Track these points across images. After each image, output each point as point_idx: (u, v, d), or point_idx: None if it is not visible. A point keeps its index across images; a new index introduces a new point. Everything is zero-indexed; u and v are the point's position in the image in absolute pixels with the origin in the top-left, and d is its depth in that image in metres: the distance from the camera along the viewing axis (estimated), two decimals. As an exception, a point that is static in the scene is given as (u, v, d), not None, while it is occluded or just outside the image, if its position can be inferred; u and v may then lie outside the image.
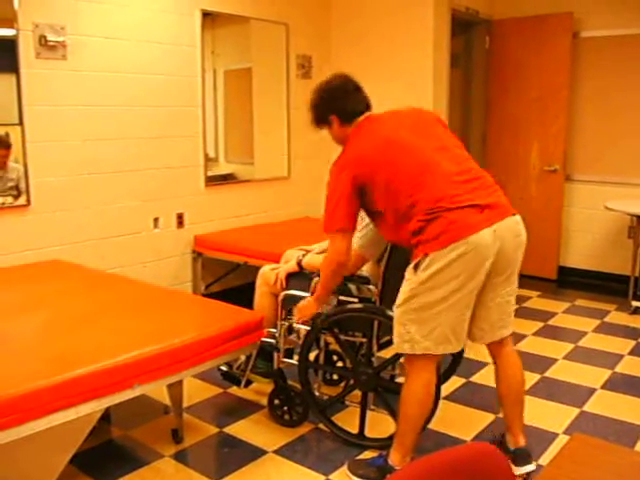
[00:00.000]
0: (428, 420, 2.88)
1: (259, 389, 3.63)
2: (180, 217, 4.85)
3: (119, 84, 4.35)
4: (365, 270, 3.11)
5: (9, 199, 3.92)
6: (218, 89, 5.23)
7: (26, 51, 3.84)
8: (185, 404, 3.26)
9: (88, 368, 2.36)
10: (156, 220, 4.69)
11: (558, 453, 1.39)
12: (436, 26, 5.42)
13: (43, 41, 3.89)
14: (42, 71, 3.93)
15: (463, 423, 3.36)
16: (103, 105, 4.28)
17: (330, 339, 3.26)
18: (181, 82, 4.76)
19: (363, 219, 3.01)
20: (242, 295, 3.72)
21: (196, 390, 3.68)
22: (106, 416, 3.18)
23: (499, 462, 1.22)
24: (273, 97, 5.67)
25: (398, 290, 3.18)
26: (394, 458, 2.72)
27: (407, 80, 5.60)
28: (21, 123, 3.89)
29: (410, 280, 2.60)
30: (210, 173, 5.09)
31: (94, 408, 2.39)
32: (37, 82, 3.92)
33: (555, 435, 3.22)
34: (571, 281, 6.16)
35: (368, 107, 2.98)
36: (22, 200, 3.94)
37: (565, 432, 3.27)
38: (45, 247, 4.07)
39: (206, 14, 4.87)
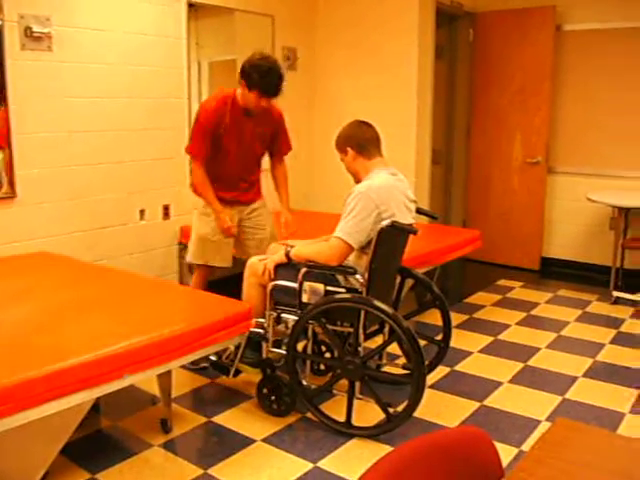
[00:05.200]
0: (413, 409, 2.96)
1: (247, 379, 3.67)
2: (166, 209, 4.86)
3: (105, 76, 4.34)
4: (352, 260, 3.15)
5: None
6: (203, 81, 5.23)
7: (11, 42, 3.82)
8: (173, 394, 3.28)
9: (79, 358, 2.38)
10: (142, 212, 4.70)
11: (541, 436, 1.44)
12: (421, 18, 5.46)
13: (28, 32, 3.87)
14: (27, 62, 3.92)
15: (448, 411, 3.41)
16: (89, 97, 4.27)
17: (318, 329, 3.31)
18: (167, 74, 4.76)
19: (345, 210, 3.06)
20: (229, 286, 3.74)
21: (184, 380, 3.71)
22: (95, 406, 3.19)
23: (487, 445, 1.26)
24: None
25: (384, 280, 3.25)
26: None
27: (392, 72, 5.63)
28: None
29: None
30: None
31: (85, 398, 2.42)
32: (22, 74, 3.90)
33: (538, 422, 3.28)
34: (554, 272, 6.24)
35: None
36: (2, 192, 3.92)
37: (547, 419, 3.33)
38: (31, 239, 4.07)
39: (191, 5, 4.86)
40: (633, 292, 5.21)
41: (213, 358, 3.46)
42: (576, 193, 6.02)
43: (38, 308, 2.97)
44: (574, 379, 3.82)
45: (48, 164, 4.11)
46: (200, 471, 2.84)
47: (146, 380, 3.17)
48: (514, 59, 6.14)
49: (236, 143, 3.70)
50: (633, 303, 5.17)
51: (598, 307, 5.19)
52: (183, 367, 3.31)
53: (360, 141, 3.19)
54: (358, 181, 3.24)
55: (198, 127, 3.62)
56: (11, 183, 3.94)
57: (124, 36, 4.42)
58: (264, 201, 4.01)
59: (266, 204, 4.01)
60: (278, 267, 3.27)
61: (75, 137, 4.22)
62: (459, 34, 6.48)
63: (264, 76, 3.45)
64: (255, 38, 5.59)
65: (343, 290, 3.14)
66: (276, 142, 3.89)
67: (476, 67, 6.42)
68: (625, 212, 5.33)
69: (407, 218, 3.15)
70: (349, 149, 3.19)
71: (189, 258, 3.84)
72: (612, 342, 4.41)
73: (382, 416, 3.11)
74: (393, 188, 3.14)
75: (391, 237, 3.07)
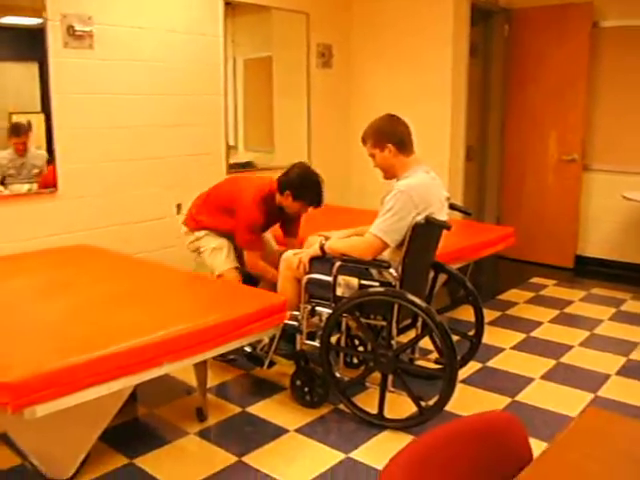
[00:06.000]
0: (445, 403, 2.99)
1: (281, 370, 3.73)
2: (202, 203, 4.93)
3: (144, 73, 4.44)
4: (386, 255, 3.18)
5: (35, 186, 4.02)
6: (237, 78, 5.30)
7: (54, 41, 3.93)
8: (209, 385, 3.35)
9: (120, 346, 2.46)
10: (179, 206, 4.78)
11: (573, 423, 1.46)
12: (456, 16, 5.47)
13: (71, 31, 3.98)
14: (70, 60, 4.03)
15: (480, 405, 3.43)
16: (128, 93, 4.37)
17: (351, 323, 3.35)
18: (204, 70, 4.84)
19: (384, 208, 3.09)
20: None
21: (219, 372, 3.78)
22: (133, 395, 3.28)
23: (518, 429, 1.30)
24: (293, 85, 5.74)
25: (417, 274, 3.28)
26: None
27: (426, 70, 5.65)
28: (44, 111, 3.98)
29: None
30: (230, 161, 5.17)
31: (125, 384, 2.49)
32: (65, 71, 4.01)
33: (569, 418, 3.28)
34: (588, 270, 6.20)
35: None
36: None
37: (580, 415, 3.33)
38: (71, 232, 4.17)
39: (227, 3, 4.94)
40: (669, 291, 5.16)
41: (248, 349, 3.52)
42: (612, 191, 5.96)
43: (79, 299, 3.06)
44: (607, 377, 3.81)
45: (88, 159, 4.21)
46: (234, 459, 2.91)
47: (181, 370, 3.24)
48: (550, 56, 6.10)
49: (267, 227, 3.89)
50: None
51: (632, 306, 5.14)
52: (214, 359, 3.37)
53: (401, 137, 3.21)
54: (390, 177, 3.26)
55: (250, 223, 3.68)
56: (53, 177, 4.05)
57: (162, 34, 4.51)
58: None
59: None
60: (313, 260, 3.32)
61: (114, 132, 4.32)
62: (494, 30, 6.46)
63: (314, 189, 3.62)
64: (290, 35, 5.65)
65: (377, 284, 3.18)
66: (292, 225, 3.97)
67: (511, 64, 6.39)
68: (661, 210, 5.27)
69: (442, 215, 3.18)
70: (390, 145, 3.19)
71: (218, 271, 3.86)
72: (646, 341, 4.38)
73: (414, 409, 3.15)
74: (431, 187, 3.18)
75: (425, 232, 3.10)
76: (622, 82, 5.89)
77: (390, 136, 3.20)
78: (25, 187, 3.99)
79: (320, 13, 5.71)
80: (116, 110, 4.32)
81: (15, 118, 3.97)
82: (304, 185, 3.62)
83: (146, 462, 2.87)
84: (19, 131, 3.98)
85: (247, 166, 5.45)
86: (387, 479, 1.14)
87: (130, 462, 2.87)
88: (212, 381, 3.58)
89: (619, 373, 3.87)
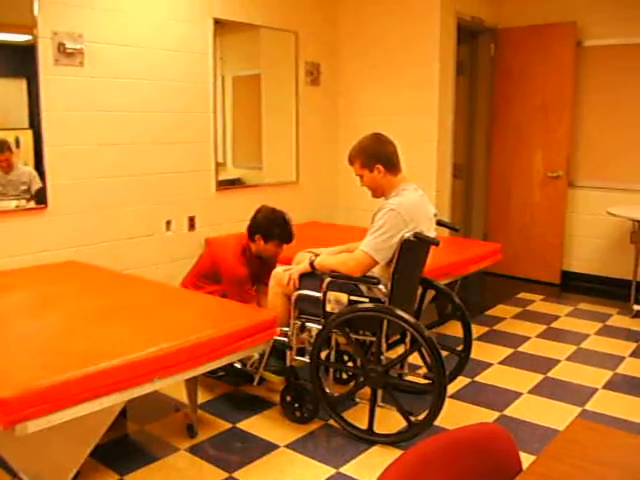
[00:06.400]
0: (434, 417, 3.02)
1: (271, 387, 3.74)
2: (192, 220, 4.96)
3: (133, 90, 4.47)
4: (376, 271, 3.21)
5: (23, 202, 4.01)
6: (226, 95, 5.34)
7: (45, 58, 3.96)
8: (199, 401, 3.36)
9: (112, 362, 2.47)
10: (168, 223, 4.80)
11: (560, 435, 1.49)
12: (442, 35, 5.55)
13: (62, 48, 4.00)
14: (60, 77, 4.05)
15: (469, 420, 3.46)
16: (118, 111, 4.40)
17: (341, 339, 3.37)
18: (193, 88, 4.88)
19: (374, 225, 3.13)
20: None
21: (209, 388, 3.79)
22: (122, 412, 3.28)
23: (507, 441, 1.32)
24: (282, 103, 5.78)
25: (406, 290, 3.31)
26: None
27: (413, 87, 5.71)
28: (32, 127, 4.00)
29: None
30: (219, 178, 5.20)
31: (117, 400, 2.50)
32: (55, 88, 4.03)
33: (557, 432, 3.31)
34: (574, 285, 6.26)
35: None
36: (33, 203, 4.04)
37: (568, 429, 3.36)
38: (60, 248, 4.18)
39: (217, 22, 4.98)
40: (654, 306, 5.22)
41: (238, 366, 3.53)
42: (597, 207, 6.04)
43: (69, 315, 3.07)
44: (594, 391, 3.85)
45: (78, 176, 4.23)
46: (225, 474, 2.91)
47: (171, 387, 3.25)
48: (535, 74, 6.19)
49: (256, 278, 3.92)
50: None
51: (618, 320, 5.20)
52: (204, 375, 3.38)
53: (389, 157, 3.24)
54: (379, 196, 3.30)
55: (236, 278, 3.76)
56: (37, 195, 4.05)
57: (152, 52, 4.55)
58: None
59: None
60: (302, 277, 3.35)
61: (104, 149, 4.34)
62: (480, 50, 6.55)
63: (281, 227, 3.75)
64: (279, 53, 5.70)
65: (366, 300, 3.20)
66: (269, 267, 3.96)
67: (497, 82, 6.48)
68: (646, 226, 5.34)
69: (431, 232, 3.22)
70: (379, 166, 3.21)
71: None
72: (632, 355, 4.43)
73: (403, 424, 3.17)
74: (420, 205, 3.22)
75: (414, 248, 3.13)
76: (606, 100, 5.98)
77: (378, 156, 3.23)
78: (13, 203, 3.99)
79: (308, 32, 5.78)
80: (106, 127, 4.34)
81: (1, 134, 3.96)
82: (271, 225, 3.74)
83: (137, 478, 2.87)
84: (1, 148, 3.98)
85: (236, 183, 5.48)
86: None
87: (121, 478, 2.87)
88: (202, 397, 3.59)
89: (606, 387, 3.91)
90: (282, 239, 3.77)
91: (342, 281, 3.21)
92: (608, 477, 1.33)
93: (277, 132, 5.81)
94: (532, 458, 2.79)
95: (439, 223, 3.48)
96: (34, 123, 4.00)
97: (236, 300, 3.65)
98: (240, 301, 3.63)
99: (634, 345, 4.61)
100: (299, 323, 3.38)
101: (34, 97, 3.96)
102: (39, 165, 4.04)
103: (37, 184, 4.04)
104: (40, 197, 4.05)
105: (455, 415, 3.48)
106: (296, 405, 3.40)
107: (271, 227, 3.74)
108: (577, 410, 3.58)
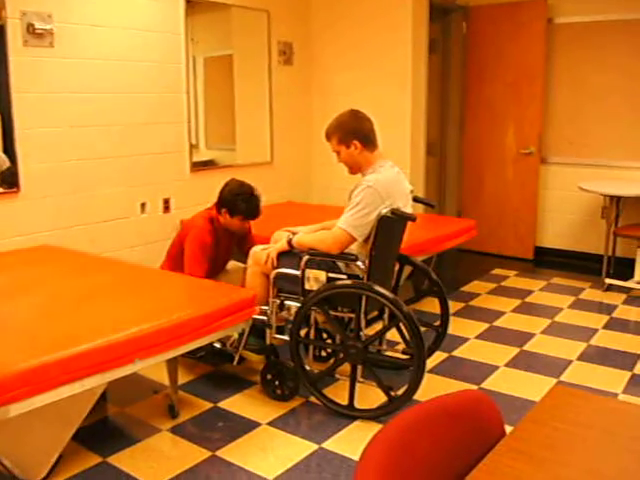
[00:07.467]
0: (413, 392, 3.06)
1: (251, 366, 3.75)
2: (166, 202, 4.94)
3: (105, 71, 4.41)
4: (353, 248, 3.23)
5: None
6: (198, 77, 5.29)
7: (14, 39, 3.88)
8: (179, 382, 3.36)
9: (92, 344, 2.46)
10: (143, 205, 4.77)
11: (542, 400, 1.53)
12: (414, 13, 5.55)
13: (31, 29, 3.93)
14: (30, 59, 3.98)
15: (447, 394, 3.50)
16: (90, 92, 4.34)
17: (320, 317, 3.39)
18: (165, 69, 4.83)
19: (352, 202, 3.14)
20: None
21: (189, 369, 3.79)
22: (102, 395, 3.27)
23: (490, 407, 1.35)
24: (255, 83, 5.75)
25: (384, 267, 3.33)
26: None
27: (386, 65, 5.72)
28: (1, 110, 3.91)
29: None
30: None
31: (98, 382, 2.50)
32: (25, 70, 3.97)
33: (534, 403, 3.36)
34: (547, 261, 6.34)
35: None
36: (3, 188, 3.97)
37: (544, 400, 3.42)
38: (34, 232, 4.13)
39: (188, 1, 4.93)
40: (625, 279, 5.31)
41: (218, 346, 3.54)
42: (568, 183, 6.11)
43: (46, 298, 3.05)
44: (569, 362, 3.92)
45: (50, 159, 4.18)
46: (208, 453, 2.93)
47: (150, 369, 3.24)
48: (507, 52, 6.23)
49: (217, 253, 3.82)
50: (625, 290, 5.28)
51: (591, 294, 5.29)
52: (183, 356, 3.39)
53: (366, 133, 3.25)
54: (356, 172, 3.31)
55: (199, 249, 3.67)
56: (15, 177, 4.00)
57: (123, 32, 4.49)
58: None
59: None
60: (281, 255, 3.36)
61: (76, 132, 4.29)
62: (452, 27, 6.57)
63: (247, 201, 3.65)
64: (250, 33, 5.66)
65: (345, 277, 3.22)
66: (245, 242, 3.96)
67: (469, 60, 6.51)
68: (616, 201, 5.43)
69: (407, 208, 3.24)
70: (356, 142, 3.22)
71: None
72: (605, 327, 4.51)
73: (383, 399, 3.21)
74: (397, 181, 3.24)
75: (391, 225, 3.16)
76: (577, 77, 6.04)
77: (355, 132, 3.23)
78: (-17, 188, 3.94)
79: (280, 10, 5.74)
80: (78, 109, 4.29)
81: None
82: (236, 200, 3.66)
83: (120, 460, 2.87)
84: None
85: (209, 164, 5.45)
86: (367, 463, 1.17)
87: (104, 460, 2.87)
88: (182, 378, 3.59)
89: (580, 358, 3.98)
90: (247, 214, 3.70)
91: (320, 259, 3.23)
92: (588, 438, 1.37)
93: (250, 113, 5.78)
94: (510, 429, 2.84)
95: (415, 199, 3.50)
96: (3, 106, 3.93)
97: (188, 266, 3.63)
98: (190, 268, 3.62)
99: (606, 318, 4.70)
100: (278, 301, 3.39)
101: (3, 79, 3.89)
102: (9, 149, 3.98)
103: (5, 167, 3.97)
104: (11, 181, 3.99)
105: (434, 389, 3.52)
106: (276, 383, 3.42)
107: (236, 202, 3.66)
108: (553, 381, 3.65)
